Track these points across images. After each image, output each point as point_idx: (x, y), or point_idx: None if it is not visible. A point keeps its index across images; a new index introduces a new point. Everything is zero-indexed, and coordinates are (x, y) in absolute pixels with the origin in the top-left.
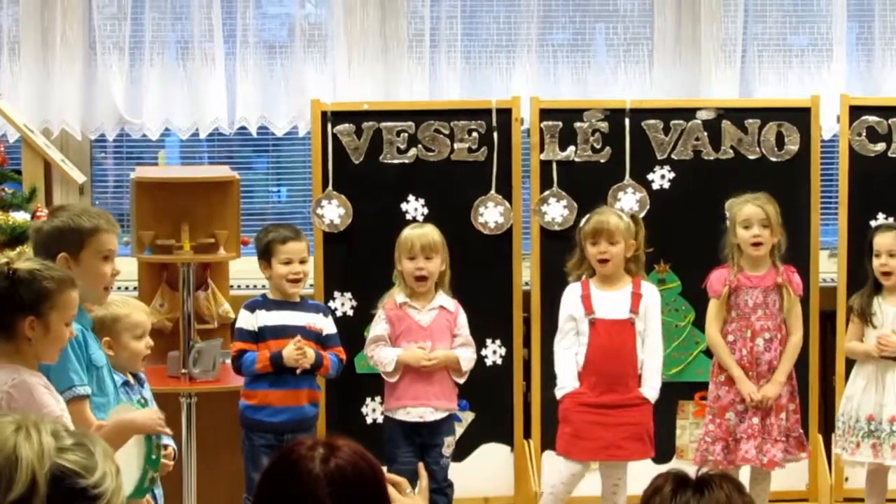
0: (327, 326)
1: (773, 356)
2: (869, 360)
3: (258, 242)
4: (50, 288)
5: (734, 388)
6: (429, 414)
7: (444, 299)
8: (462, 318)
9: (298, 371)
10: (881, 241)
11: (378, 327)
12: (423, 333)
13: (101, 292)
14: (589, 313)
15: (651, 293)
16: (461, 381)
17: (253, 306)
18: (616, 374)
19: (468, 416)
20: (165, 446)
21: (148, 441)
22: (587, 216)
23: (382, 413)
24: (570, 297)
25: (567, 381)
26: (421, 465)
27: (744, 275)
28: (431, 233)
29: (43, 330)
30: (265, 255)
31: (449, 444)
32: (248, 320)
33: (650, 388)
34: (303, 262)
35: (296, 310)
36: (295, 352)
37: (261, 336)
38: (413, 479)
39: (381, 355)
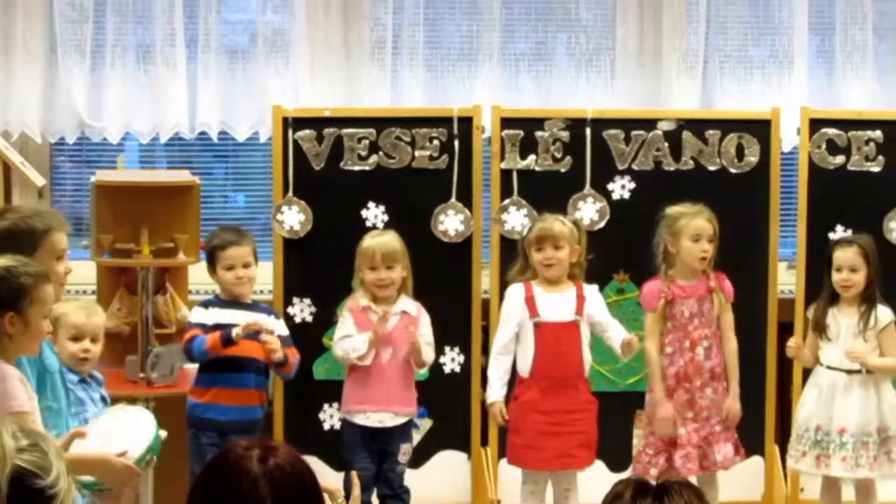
0: (279, 328)
1: (714, 363)
2: (821, 369)
3: (205, 249)
4: (27, 283)
5: (677, 402)
6: (389, 419)
7: (407, 304)
8: (425, 320)
9: (274, 358)
10: (842, 255)
11: (346, 326)
12: (386, 339)
13: (59, 292)
14: (534, 315)
15: (594, 294)
16: (421, 370)
17: (207, 304)
18: (564, 376)
19: (426, 423)
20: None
21: (156, 429)
22: (530, 224)
23: (340, 414)
24: (514, 299)
25: (497, 391)
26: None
27: (677, 285)
28: (392, 241)
29: (22, 325)
30: (210, 260)
31: (405, 451)
32: (203, 314)
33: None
34: (246, 265)
35: (248, 310)
36: (244, 325)
37: (216, 329)
38: (370, 484)
39: (351, 343)
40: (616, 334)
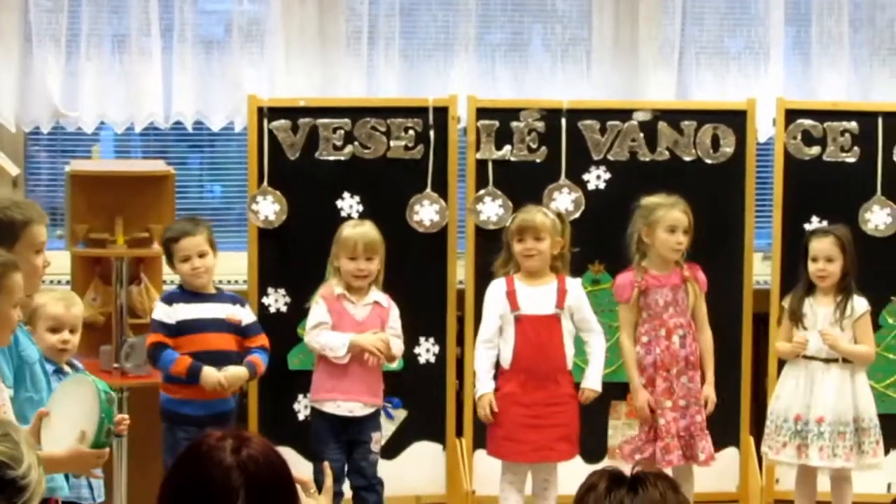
0: (246, 316)
1: (689, 351)
2: (799, 359)
3: (162, 242)
4: None
5: (657, 390)
6: (358, 409)
7: (378, 295)
8: (395, 312)
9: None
10: (818, 246)
11: (319, 313)
12: (357, 328)
13: (37, 284)
14: (515, 309)
15: (576, 288)
16: (392, 363)
17: (170, 299)
18: (545, 370)
19: (401, 414)
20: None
21: (100, 394)
22: (513, 215)
23: (309, 404)
24: (496, 293)
25: (484, 384)
26: (326, 465)
27: (651, 275)
28: (371, 231)
29: None
30: (168, 253)
31: (377, 441)
32: (167, 312)
33: (595, 378)
34: (202, 255)
35: (213, 301)
36: (215, 379)
37: (179, 330)
38: (341, 476)
39: (330, 339)
40: (594, 350)
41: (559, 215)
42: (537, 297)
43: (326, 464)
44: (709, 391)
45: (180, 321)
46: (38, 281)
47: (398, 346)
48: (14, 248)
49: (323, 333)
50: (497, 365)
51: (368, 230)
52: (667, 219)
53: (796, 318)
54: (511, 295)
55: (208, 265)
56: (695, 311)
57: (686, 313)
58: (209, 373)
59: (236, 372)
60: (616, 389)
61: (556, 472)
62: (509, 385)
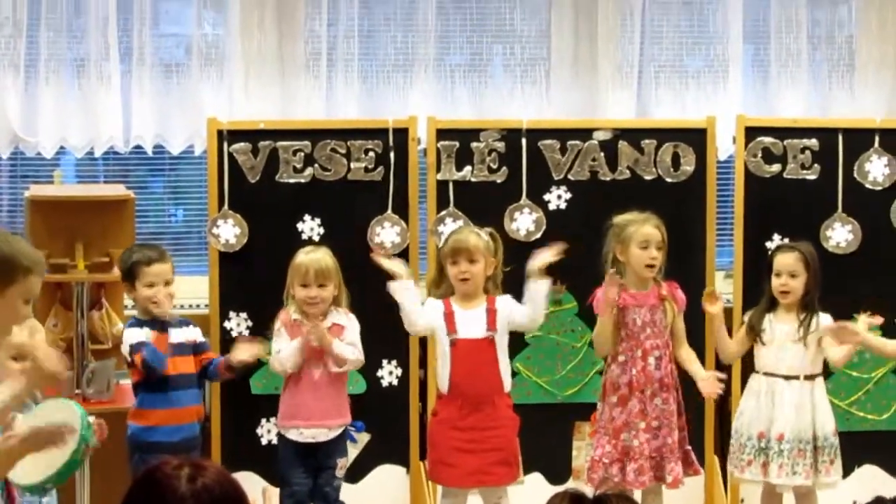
0: (198, 336)
1: (664, 373)
2: (759, 375)
3: (122, 263)
4: None
5: (627, 408)
6: (322, 435)
7: (338, 316)
8: (351, 328)
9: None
10: (782, 261)
11: (281, 341)
12: (316, 350)
13: (10, 330)
14: (451, 332)
15: (505, 303)
16: (338, 369)
17: (139, 324)
18: (481, 393)
19: (364, 437)
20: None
21: (82, 414)
22: (447, 236)
23: (276, 427)
24: (435, 313)
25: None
26: (268, 487)
27: (629, 294)
28: (325, 258)
29: None
30: (129, 276)
31: (342, 466)
32: (139, 333)
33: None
34: (167, 283)
35: (173, 327)
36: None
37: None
38: (306, 499)
39: (283, 355)
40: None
41: (492, 235)
42: (470, 320)
43: (268, 486)
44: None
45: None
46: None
47: (349, 351)
48: (6, 290)
49: (278, 356)
50: (436, 388)
51: (321, 257)
52: (639, 235)
53: (755, 332)
54: (449, 317)
55: (172, 293)
56: (673, 328)
57: (663, 334)
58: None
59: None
60: (579, 410)
61: (507, 494)
62: (447, 409)
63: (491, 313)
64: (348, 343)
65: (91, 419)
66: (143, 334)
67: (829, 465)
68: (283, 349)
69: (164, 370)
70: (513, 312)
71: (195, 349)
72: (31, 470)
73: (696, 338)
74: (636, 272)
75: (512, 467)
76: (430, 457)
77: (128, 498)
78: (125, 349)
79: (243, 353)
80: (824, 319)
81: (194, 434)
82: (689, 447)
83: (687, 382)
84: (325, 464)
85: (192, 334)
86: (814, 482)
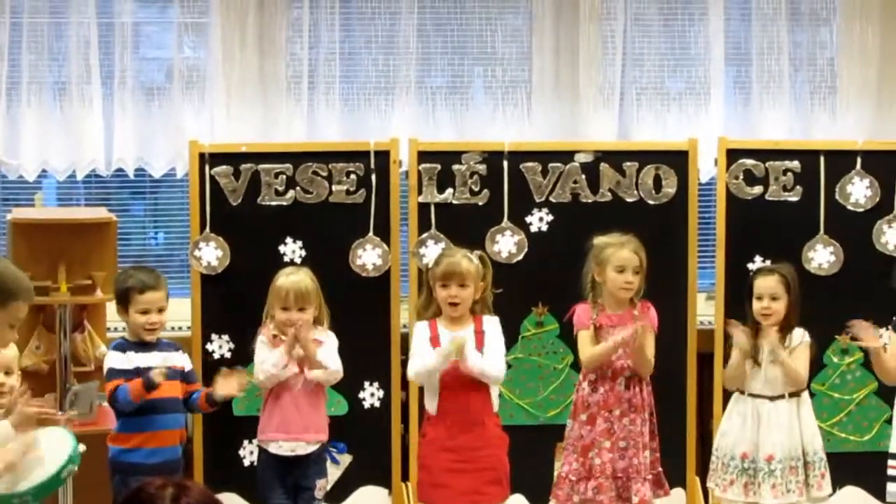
0: (187, 363)
1: (632, 394)
2: (745, 396)
3: (117, 286)
4: None
5: (596, 428)
6: (301, 448)
7: (318, 333)
8: (329, 342)
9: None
10: (763, 283)
11: (263, 351)
12: (298, 362)
13: None
14: None
15: (492, 325)
16: (318, 376)
17: (122, 347)
18: (470, 414)
19: (346, 459)
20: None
21: (74, 441)
22: (437, 258)
23: (256, 445)
24: (420, 338)
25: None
26: None
27: (605, 315)
28: (305, 280)
29: None
30: (122, 300)
31: (321, 487)
32: (120, 359)
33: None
34: (160, 310)
35: (159, 350)
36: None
37: (138, 375)
38: None
39: (270, 361)
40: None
41: (481, 258)
42: None
43: None
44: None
45: (137, 367)
46: None
47: (332, 361)
48: None
49: (263, 365)
50: (422, 410)
51: (301, 279)
52: (615, 258)
53: (754, 359)
54: (434, 340)
55: (164, 321)
56: (641, 343)
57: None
58: (156, 372)
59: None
60: (561, 431)
61: None
62: (436, 430)
63: (479, 335)
64: (328, 352)
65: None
66: (125, 360)
67: (821, 479)
68: (270, 357)
69: (127, 412)
70: (490, 339)
71: (184, 375)
72: (11, 481)
73: (675, 361)
74: (612, 294)
75: (503, 486)
76: (421, 478)
77: None
78: (105, 370)
79: (226, 387)
80: (797, 332)
81: (176, 457)
82: (661, 469)
83: (665, 402)
84: (304, 483)
85: (181, 360)
86: (806, 497)
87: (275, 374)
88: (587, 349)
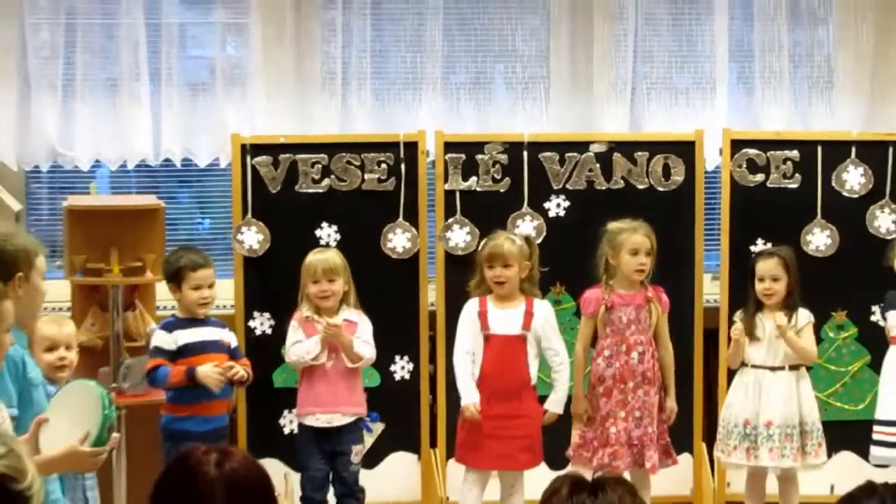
0: (233, 340)
1: (647, 367)
2: (747, 368)
3: (169, 266)
4: None
5: (611, 399)
6: (337, 419)
7: (349, 313)
8: (364, 325)
9: (215, 391)
10: (764, 266)
11: (293, 334)
12: (332, 344)
13: (41, 309)
14: (484, 329)
15: (543, 311)
16: (353, 365)
17: (169, 327)
18: (509, 386)
19: (378, 427)
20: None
21: (102, 398)
22: (484, 241)
23: (297, 418)
24: (469, 313)
25: (468, 395)
26: (289, 472)
27: (617, 294)
28: (333, 257)
29: None
30: (175, 279)
31: (357, 452)
32: (165, 339)
33: (556, 403)
34: (211, 286)
35: (207, 326)
36: (214, 373)
37: (181, 353)
38: (324, 484)
39: (303, 348)
40: (557, 371)
41: (527, 239)
42: (506, 318)
43: (285, 473)
44: (671, 403)
45: (183, 345)
46: (41, 307)
47: (363, 349)
48: (30, 274)
49: (296, 347)
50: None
51: (328, 255)
52: (629, 242)
53: (749, 332)
54: (482, 315)
55: (214, 296)
56: (657, 330)
57: (647, 332)
58: (202, 368)
59: (225, 362)
60: None
61: (522, 478)
62: (478, 399)
63: (528, 315)
64: (364, 341)
65: (112, 395)
66: (170, 340)
67: (818, 447)
68: (304, 343)
69: (159, 389)
70: (545, 327)
71: (230, 351)
72: (56, 444)
73: (683, 337)
74: (626, 276)
75: (535, 454)
76: (459, 440)
77: (160, 481)
78: (150, 348)
79: (208, 378)
80: (803, 314)
81: (224, 425)
82: (669, 440)
83: (675, 375)
84: (340, 450)
85: (227, 337)
86: (801, 464)
87: (305, 360)
88: (582, 339)
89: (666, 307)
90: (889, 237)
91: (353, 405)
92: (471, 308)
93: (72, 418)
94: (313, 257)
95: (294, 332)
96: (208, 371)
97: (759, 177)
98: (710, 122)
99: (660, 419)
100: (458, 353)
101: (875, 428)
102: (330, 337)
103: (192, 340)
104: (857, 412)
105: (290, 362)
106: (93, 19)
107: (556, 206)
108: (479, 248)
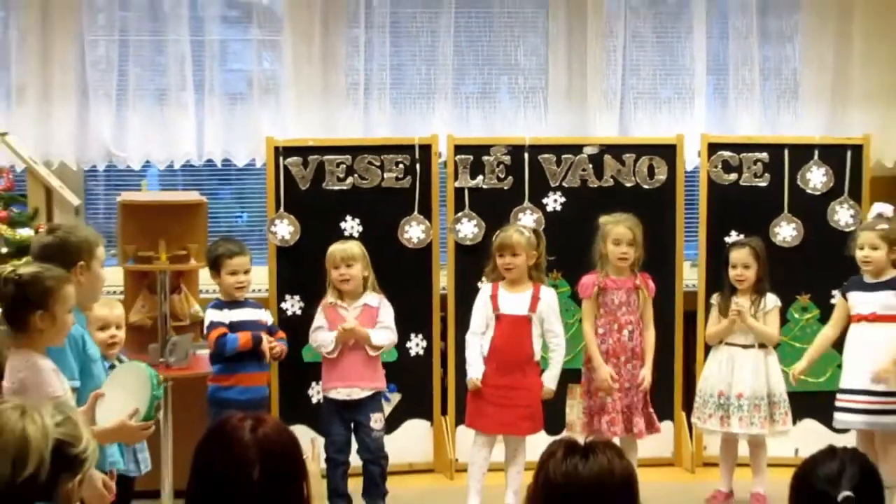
0: (269, 318)
1: (636, 344)
2: (721, 345)
3: (209, 254)
4: (52, 286)
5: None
6: (356, 392)
7: (369, 298)
8: (384, 310)
9: (269, 359)
10: (736, 255)
11: (317, 320)
12: (349, 336)
13: (100, 293)
14: (495, 310)
15: (548, 296)
16: (374, 353)
17: (219, 306)
18: (514, 360)
19: (396, 397)
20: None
21: (151, 378)
22: (497, 233)
23: (322, 391)
24: (483, 297)
25: (476, 369)
26: (316, 437)
27: (610, 279)
28: (351, 246)
29: (51, 321)
30: (215, 266)
31: (377, 420)
32: (219, 315)
33: (551, 379)
34: (246, 272)
35: (247, 307)
36: (267, 346)
37: (231, 329)
38: (345, 447)
39: (321, 338)
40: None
41: (535, 231)
42: (514, 301)
43: (312, 438)
44: (646, 373)
45: (231, 322)
46: (100, 292)
47: (383, 336)
48: (91, 262)
49: (317, 335)
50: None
51: (347, 245)
52: (612, 233)
53: (726, 312)
54: (494, 298)
55: (250, 280)
56: (643, 313)
57: (636, 313)
58: (276, 348)
59: (274, 342)
60: (572, 375)
61: (524, 443)
62: (485, 369)
63: (535, 299)
64: (385, 327)
65: (160, 376)
66: (224, 315)
67: (785, 416)
68: (322, 334)
69: (226, 356)
70: (548, 311)
71: (268, 328)
72: (110, 416)
73: (665, 317)
74: (612, 263)
75: (535, 422)
76: (470, 407)
77: (201, 445)
78: (206, 324)
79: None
80: (770, 298)
81: (263, 395)
82: (651, 410)
83: (657, 352)
84: (360, 419)
85: (264, 316)
86: (769, 430)
87: (321, 351)
88: (587, 318)
89: (652, 292)
90: (847, 230)
91: (370, 380)
92: (484, 293)
93: (125, 394)
94: (334, 247)
95: (318, 316)
96: (265, 344)
97: (733, 176)
98: (689, 128)
99: (639, 387)
100: (470, 333)
101: (838, 396)
102: (344, 338)
103: (238, 319)
104: (820, 384)
105: (311, 345)
106: (143, 37)
107: (554, 201)
108: (494, 238)
